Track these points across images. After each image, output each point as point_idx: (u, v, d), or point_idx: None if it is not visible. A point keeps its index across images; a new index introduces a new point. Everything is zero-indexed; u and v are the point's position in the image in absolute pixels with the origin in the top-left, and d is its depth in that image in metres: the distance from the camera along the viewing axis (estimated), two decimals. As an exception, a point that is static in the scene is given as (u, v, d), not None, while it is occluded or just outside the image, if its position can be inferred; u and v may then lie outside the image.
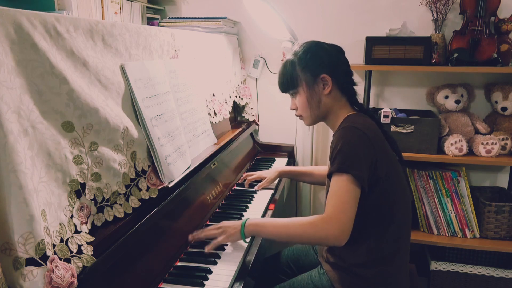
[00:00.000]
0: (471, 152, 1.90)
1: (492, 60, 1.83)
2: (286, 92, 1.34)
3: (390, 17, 2.06)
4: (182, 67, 1.46)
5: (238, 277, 1.11)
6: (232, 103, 2.04)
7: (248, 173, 1.78)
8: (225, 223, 1.23)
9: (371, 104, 2.16)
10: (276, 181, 1.75)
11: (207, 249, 1.17)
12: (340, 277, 1.24)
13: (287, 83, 1.30)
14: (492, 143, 1.84)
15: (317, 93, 1.26)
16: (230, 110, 2.00)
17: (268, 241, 1.31)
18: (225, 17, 2.05)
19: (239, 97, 2.17)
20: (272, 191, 1.68)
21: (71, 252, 0.81)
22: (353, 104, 1.31)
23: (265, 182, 1.69)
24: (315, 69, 1.25)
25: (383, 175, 1.16)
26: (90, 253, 0.85)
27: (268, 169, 1.93)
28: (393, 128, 1.90)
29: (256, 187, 1.68)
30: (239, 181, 1.77)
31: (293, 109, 1.35)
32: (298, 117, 1.36)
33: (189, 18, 2.09)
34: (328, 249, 1.30)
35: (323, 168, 1.65)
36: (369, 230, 1.20)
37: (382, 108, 1.93)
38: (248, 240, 1.22)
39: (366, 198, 1.14)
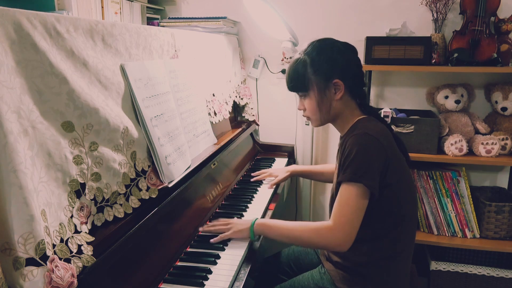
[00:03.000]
0: (471, 152, 1.90)
1: (492, 60, 1.83)
2: (294, 92, 1.30)
3: (390, 17, 2.06)
4: (182, 67, 1.46)
5: (238, 277, 1.11)
6: (232, 103, 2.04)
7: (263, 170, 1.82)
8: (234, 220, 1.30)
9: (371, 104, 2.14)
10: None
11: (212, 240, 1.24)
12: (341, 276, 1.24)
13: (297, 85, 1.26)
14: (492, 143, 1.84)
15: (328, 98, 1.22)
16: (230, 110, 2.00)
17: (269, 241, 1.31)
18: (225, 17, 2.05)
19: (239, 97, 2.17)
20: (271, 191, 1.69)
21: (71, 252, 0.81)
22: (362, 107, 1.27)
23: (276, 181, 1.72)
24: (328, 73, 1.20)
25: (394, 181, 1.14)
26: (90, 253, 0.85)
27: (268, 169, 1.93)
28: (393, 128, 1.90)
29: (269, 186, 1.72)
30: (253, 180, 1.78)
31: (300, 109, 1.32)
32: (306, 117, 1.32)
33: (189, 18, 2.09)
34: None
35: (332, 167, 1.64)
36: (375, 231, 1.19)
37: (382, 108, 1.93)
38: (256, 238, 1.26)
39: (375, 202, 1.13)
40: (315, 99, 1.23)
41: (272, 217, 1.51)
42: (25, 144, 0.74)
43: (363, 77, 1.27)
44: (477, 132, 1.97)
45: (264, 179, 1.78)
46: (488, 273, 1.91)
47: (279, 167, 1.88)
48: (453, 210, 1.92)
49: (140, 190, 1.08)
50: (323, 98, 1.22)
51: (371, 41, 1.92)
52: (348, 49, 1.25)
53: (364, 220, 1.12)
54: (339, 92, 1.21)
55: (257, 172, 1.81)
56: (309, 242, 1.16)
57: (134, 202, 1.05)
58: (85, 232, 0.87)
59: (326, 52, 1.21)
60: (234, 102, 2.09)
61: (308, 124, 2.20)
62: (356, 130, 1.17)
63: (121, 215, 1.00)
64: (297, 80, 1.24)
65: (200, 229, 1.31)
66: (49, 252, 0.74)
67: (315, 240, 1.13)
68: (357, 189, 1.09)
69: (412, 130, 1.89)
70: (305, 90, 1.24)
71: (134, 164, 1.07)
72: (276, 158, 2.12)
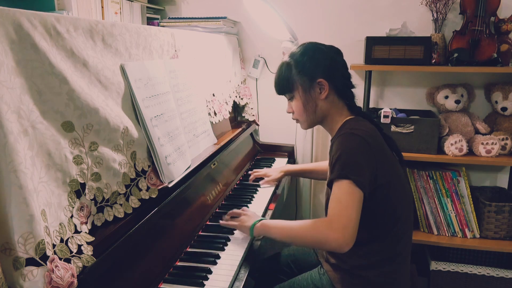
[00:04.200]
0: (471, 152, 1.90)
1: (492, 60, 1.83)
2: (282, 95, 1.32)
3: (390, 17, 2.06)
4: (182, 67, 1.46)
5: (238, 277, 1.11)
6: (232, 103, 2.04)
7: (255, 169, 1.82)
8: (247, 213, 1.34)
9: (371, 104, 2.15)
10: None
11: (221, 223, 1.35)
12: (340, 278, 1.24)
13: (283, 87, 1.28)
14: (492, 143, 1.84)
15: (313, 97, 1.24)
16: (230, 110, 2.00)
17: (268, 241, 1.32)
18: (225, 17, 2.05)
19: (239, 97, 2.17)
20: (271, 191, 1.69)
21: (71, 252, 0.81)
22: (351, 108, 1.28)
23: (270, 180, 1.73)
24: (311, 73, 1.22)
25: (384, 182, 1.13)
26: (90, 253, 0.85)
27: (263, 168, 1.94)
28: (393, 128, 1.90)
29: (261, 182, 1.73)
30: (250, 179, 1.78)
31: (289, 112, 1.33)
32: (295, 120, 1.33)
33: (189, 18, 2.09)
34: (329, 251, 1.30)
35: (325, 163, 1.65)
36: (371, 233, 1.18)
37: (382, 108, 1.93)
38: (257, 237, 1.29)
39: (368, 203, 1.11)
40: (300, 100, 1.25)
41: (272, 217, 1.52)
42: (25, 144, 0.73)
43: (350, 78, 1.28)
44: (477, 132, 1.97)
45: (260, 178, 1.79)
46: (488, 273, 1.91)
47: (276, 167, 1.89)
48: (453, 210, 1.92)
49: (140, 190, 1.08)
50: (308, 98, 1.24)
51: (371, 41, 1.92)
52: (331, 51, 1.27)
53: (359, 223, 1.08)
54: (323, 91, 1.23)
55: (251, 172, 1.82)
56: (307, 239, 1.12)
57: (134, 202, 1.05)
58: (85, 232, 0.87)
59: (309, 53, 1.24)
60: (234, 102, 2.09)
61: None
62: (342, 130, 1.18)
63: (121, 215, 1.00)
64: (283, 81, 1.27)
65: (221, 222, 1.36)
66: (49, 252, 0.74)
67: (313, 236, 1.08)
68: (346, 185, 1.06)
69: (412, 130, 1.89)
70: (291, 91, 1.27)
71: (134, 164, 1.07)
72: (276, 158, 2.12)
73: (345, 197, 1.06)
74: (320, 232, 1.06)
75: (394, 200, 1.18)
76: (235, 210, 1.38)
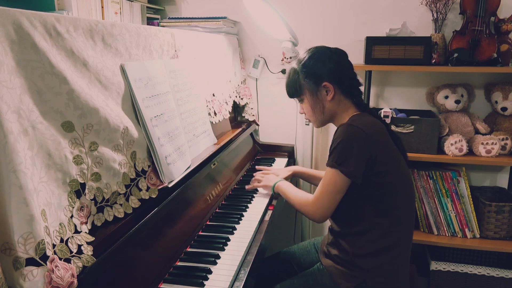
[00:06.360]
0: (471, 152, 1.90)
1: (492, 60, 1.83)
2: (292, 98, 1.42)
3: (390, 17, 2.06)
4: (182, 67, 1.46)
5: (238, 277, 1.11)
6: (232, 103, 2.04)
7: (263, 167, 1.85)
8: (267, 176, 1.64)
9: (371, 104, 2.16)
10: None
11: (247, 187, 1.66)
12: (339, 272, 1.26)
13: (292, 91, 1.38)
14: (492, 143, 1.84)
15: (320, 100, 1.32)
16: (230, 110, 2.00)
17: (268, 241, 1.34)
18: (225, 17, 2.05)
19: (239, 97, 2.17)
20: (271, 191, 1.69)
21: (71, 252, 0.81)
22: (358, 105, 1.34)
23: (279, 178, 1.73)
24: (316, 78, 1.30)
25: (383, 169, 1.20)
26: (90, 253, 0.85)
27: (271, 167, 1.94)
28: (393, 128, 1.90)
29: None
30: (255, 173, 1.78)
31: (302, 113, 1.43)
32: (307, 120, 1.44)
33: (189, 18, 2.09)
34: (330, 243, 1.34)
35: None
36: (370, 222, 1.23)
37: (382, 108, 1.93)
38: (275, 194, 1.58)
39: (363, 190, 1.20)
40: (308, 102, 1.34)
41: (273, 214, 1.52)
42: (25, 144, 0.74)
43: (355, 77, 1.34)
44: (477, 132, 1.97)
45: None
46: (488, 273, 1.91)
47: (280, 167, 1.89)
48: (453, 210, 1.92)
49: (140, 190, 1.08)
50: (315, 101, 1.33)
51: (371, 41, 1.92)
52: (335, 53, 1.33)
53: (356, 211, 1.24)
54: (329, 93, 1.30)
55: (261, 167, 1.84)
56: (297, 208, 1.36)
57: (134, 202, 1.05)
58: (85, 232, 0.87)
59: (314, 58, 1.32)
60: (234, 102, 2.09)
61: (308, 124, 2.20)
62: (343, 123, 1.26)
63: (121, 215, 1.00)
64: (292, 87, 1.36)
65: (247, 187, 1.66)
66: (49, 252, 0.74)
67: (299, 209, 1.35)
68: (334, 174, 1.21)
69: (412, 130, 1.89)
70: (300, 95, 1.36)
71: (134, 164, 1.07)
72: (276, 158, 2.12)
73: (328, 185, 1.23)
74: (304, 207, 1.32)
75: (392, 189, 1.23)
76: (261, 172, 1.70)
